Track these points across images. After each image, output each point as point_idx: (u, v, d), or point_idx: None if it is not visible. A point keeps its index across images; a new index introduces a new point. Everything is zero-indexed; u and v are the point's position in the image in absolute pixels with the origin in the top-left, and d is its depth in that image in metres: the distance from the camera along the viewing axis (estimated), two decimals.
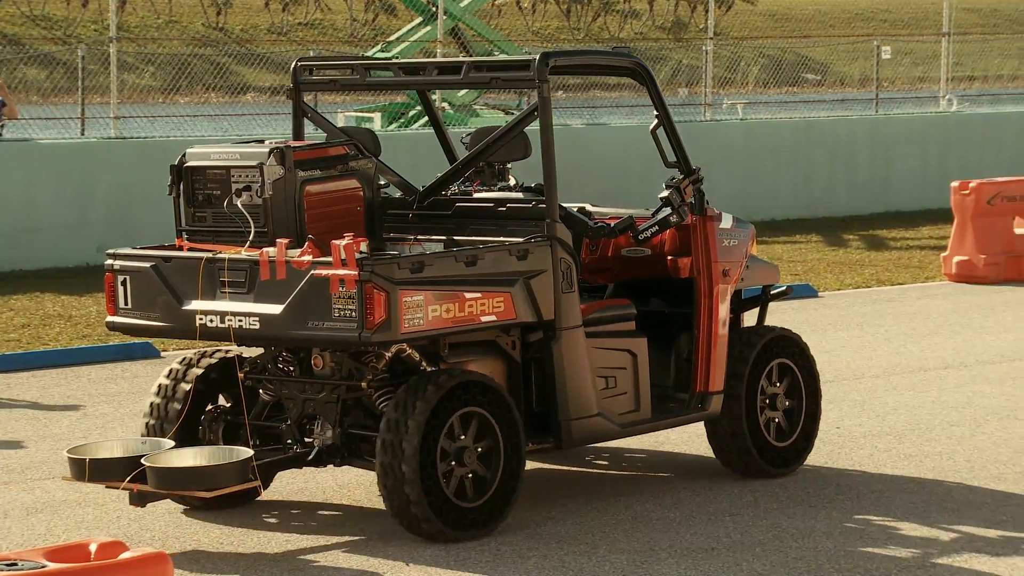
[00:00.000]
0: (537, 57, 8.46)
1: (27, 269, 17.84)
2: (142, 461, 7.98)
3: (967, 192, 17.50)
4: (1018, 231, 17.77)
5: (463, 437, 8.04)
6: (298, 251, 8.03)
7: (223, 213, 8.38)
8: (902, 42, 33.07)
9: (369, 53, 25.00)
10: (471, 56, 23.54)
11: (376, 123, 23.96)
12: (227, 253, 8.23)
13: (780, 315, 14.03)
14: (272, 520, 8.57)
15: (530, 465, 9.31)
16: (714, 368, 9.03)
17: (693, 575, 7.57)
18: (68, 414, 11.24)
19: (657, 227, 8.99)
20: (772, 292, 9.73)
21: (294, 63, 9.27)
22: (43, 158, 18.35)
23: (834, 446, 10.00)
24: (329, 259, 7.87)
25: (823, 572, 7.61)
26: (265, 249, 8.08)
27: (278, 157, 8.29)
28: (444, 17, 23.34)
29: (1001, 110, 27.51)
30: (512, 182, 9.36)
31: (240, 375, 8.51)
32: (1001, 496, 8.93)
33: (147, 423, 8.66)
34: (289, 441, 8.49)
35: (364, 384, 8.25)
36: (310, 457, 8.37)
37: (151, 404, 8.68)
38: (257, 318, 8.05)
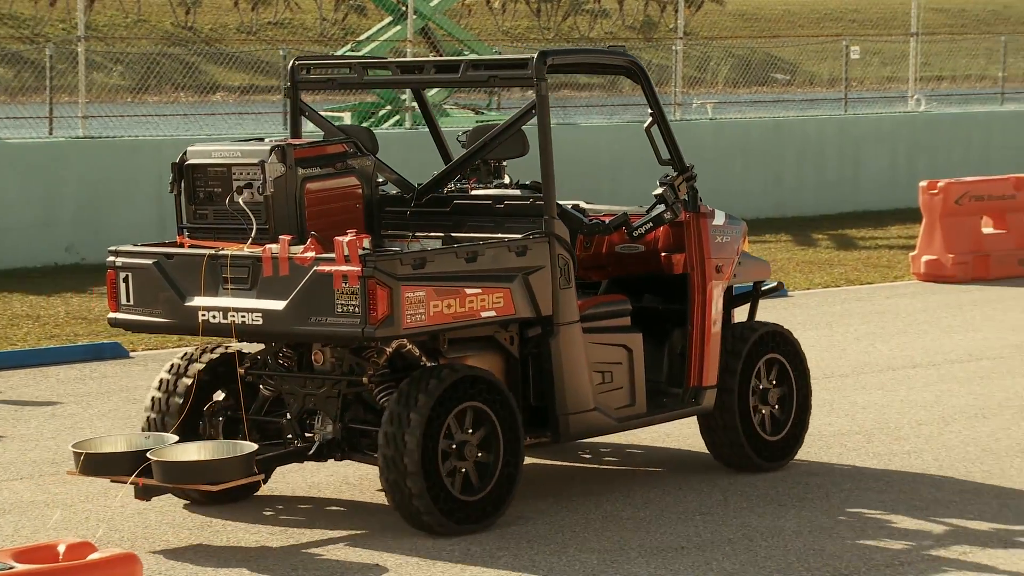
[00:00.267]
0: (535, 55, 8.54)
1: None
2: (148, 455, 8.04)
3: (935, 192, 17.57)
4: (986, 231, 17.85)
5: (464, 431, 8.14)
6: (300, 248, 8.09)
7: (224, 210, 8.45)
8: (871, 42, 33.17)
9: (338, 52, 24.95)
10: (441, 56, 23.54)
11: (346, 122, 23.90)
12: (230, 250, 8.30)
13: None
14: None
15: None
16: (707, 363, 9.15)
17: (663, 574, 7.58)
18: (37, 415, 11.19)
19: (651, 224, 9.12)
20: (763, 288, 9.85)
21: (292, 62, 9.35)
22: (11, 158, 18.26)
23: (804, 445, 10.01)
24: (332, 255, 7.94)
25: (792, 571, 7.63)
26: (268, 246, 8.15)
27: (279, 155, 8.35)
28: (414, 16, 23.32)
29: (969, 110, 27.63)
30: (507, 179, 9.45)
31: (240, 371, 8.59)
32: (969, 494, 8.97)
33: (148, 417, 8.72)
34: (289, 436, 8.57)
35: (365, 379, 8.33)
36: (311, 452, 8.45)
37: (152, 399, 8.75)
38: (260, 314, 8.12)
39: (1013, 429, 10.52)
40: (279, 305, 8.07)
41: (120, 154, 18.77)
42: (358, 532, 8.27)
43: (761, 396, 9.42)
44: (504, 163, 9.47)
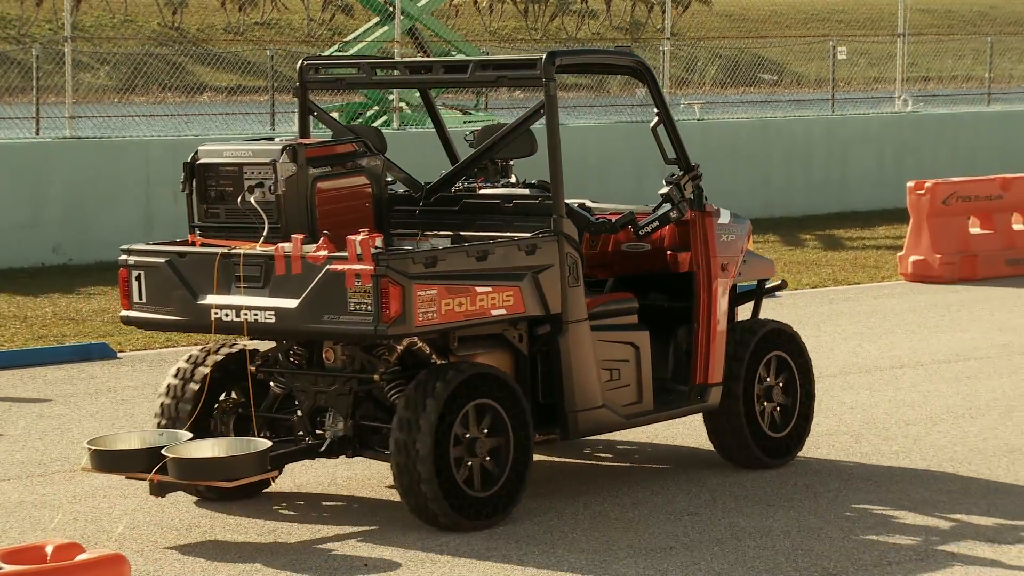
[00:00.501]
0: (544, 56, 8.61)
1: None
2: (163, 452, 8.08)
3: (923, 192, 17.59)
4: (973, 231, 17.88)
5: (475, 429, 8.21)
6: (313, 246, 8.12)
7: (236, 209, 8.50)
8: (858, 43, 33.20)
9: (326, 53, 24.93)
10: (428, 56, 23.54)
11: None
12: (242, 248, 8.33)
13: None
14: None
15: None
16: (713, 360, 9.22)
17: (652, 574, 7.58)
18: (24, 415, 11.17)
19: (657, 222, 9.21)
20: (767, 287, 9.92)
21: (300, 62, 9.42)
22: None
23: None
24: (344, 254, 7.98)
25: (781, 570, 7.63)
26: (280, 244, 8.20)
27: (291, 154, 8.40)
28: (401, 17, 23.31)
29: (956, 110, 27.68)
30: (514, 179, 9.51)
31: (251, 368, 8.65)
32: (957, 494, 8.98)
33: (162, 408, 8.76)
34: (301, 433, 8.62)
35: (376, 377, 8.39)
36: (323, 448, 8.51)
37: (165, 391, 8.80)
38: (272, 312, 8.18)
39: (1000, 429, 10.53)
40: (292, 303, 8.13)
41: (107, 155, 18.74)
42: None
43: (766, 393, 9.49)
44: (511, 162, 9.54)
